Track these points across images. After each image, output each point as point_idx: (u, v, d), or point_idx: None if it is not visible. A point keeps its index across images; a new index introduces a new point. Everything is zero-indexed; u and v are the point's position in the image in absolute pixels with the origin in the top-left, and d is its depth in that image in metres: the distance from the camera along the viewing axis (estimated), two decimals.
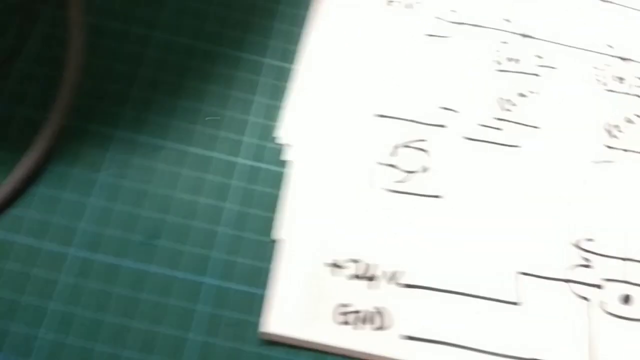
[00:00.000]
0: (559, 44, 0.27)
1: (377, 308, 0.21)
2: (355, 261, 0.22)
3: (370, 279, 0.21)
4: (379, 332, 0.21)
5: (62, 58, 0.23)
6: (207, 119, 0.23)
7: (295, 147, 0.23)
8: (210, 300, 0.20)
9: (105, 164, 0.22)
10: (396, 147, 0.24)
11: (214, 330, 0.20)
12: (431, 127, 0.25)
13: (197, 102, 0.24)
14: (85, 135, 0.22)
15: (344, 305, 0.21)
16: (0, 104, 0.22)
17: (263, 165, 0.23)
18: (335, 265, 0.21)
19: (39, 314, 0.19)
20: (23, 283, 0.20)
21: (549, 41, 0.27)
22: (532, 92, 0.26)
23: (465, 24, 0.27)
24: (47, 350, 0.19)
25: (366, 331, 0.21)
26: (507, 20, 0.27)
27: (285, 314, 0.20)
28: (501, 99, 0.26)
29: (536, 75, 0.26)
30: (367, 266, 0.22)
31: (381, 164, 0.24)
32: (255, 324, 0.20)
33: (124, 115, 0.23)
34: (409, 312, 0.21)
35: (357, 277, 0.21)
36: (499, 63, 0.26)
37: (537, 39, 0.27)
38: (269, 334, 0.20)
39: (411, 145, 0.24)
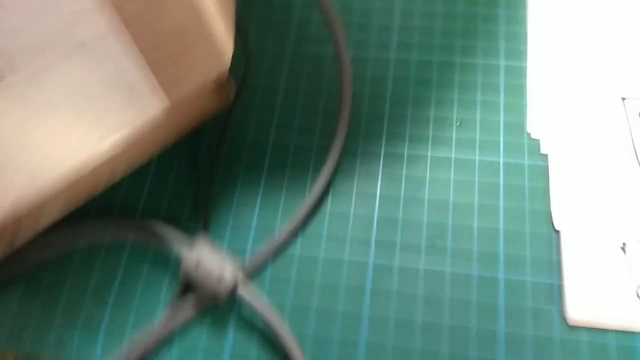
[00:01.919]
0: None
1: None
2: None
3: None
4: None
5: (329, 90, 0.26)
6: (457, 124, 0.25)
7: (548, 140, 0.24)
8: (510, 295, 0.21)
9: (381, 178, 0.24)
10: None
11: (518, 321, 0.21)
12: None
13: (445, 112, 0.25)
14: (360, 154, 0.25)
15: None
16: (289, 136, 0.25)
17: (526, 162, 0.24)
18: (624, 247, 0.22)
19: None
20: (333, 292, 0.22)
21: None
22: None
23: None
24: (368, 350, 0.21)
25: None
26: None
27: (587, 300, 0.21)
28: None
29: None
30: None
31: (628, 152, 0.23)
32: (557, 312, 0.21)
33: (385, 132, 0.25)
34: None
35: None
36: None
37: None
38: (575, 320, 0.21)
39: None
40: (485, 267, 0.22)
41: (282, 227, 0.23)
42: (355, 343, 0.21)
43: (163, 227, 0.23)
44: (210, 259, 0.20)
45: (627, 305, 0.21)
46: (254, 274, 0.22)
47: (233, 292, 0.21)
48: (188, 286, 0.22)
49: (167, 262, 0.23)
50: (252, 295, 0.21)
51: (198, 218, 0.24)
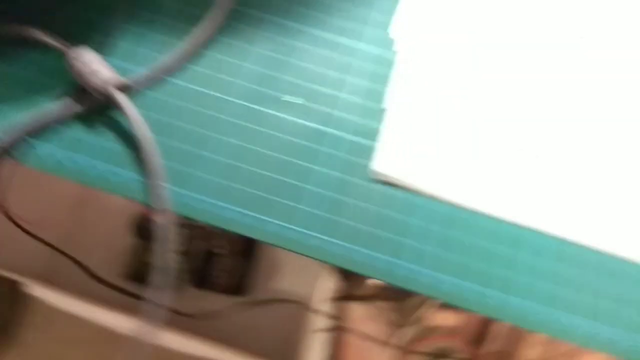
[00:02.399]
0: None
1: None
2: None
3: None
4: None
5: None
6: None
7: (403, 41, 0.29)
8: (330, 144, 0.27)
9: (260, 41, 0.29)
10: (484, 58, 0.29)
11: (331, 162, 0.26)
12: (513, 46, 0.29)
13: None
14: (247, 17, 0.29)
15: None
16: None
17: (379, 52, 0.29)
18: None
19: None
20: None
21: None
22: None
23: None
24: None
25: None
26: None
27: (392, 160, 0.26)
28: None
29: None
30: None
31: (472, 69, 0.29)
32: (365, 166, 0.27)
33: (278, 4, 0.30)
34: None
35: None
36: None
37: None
38: (379, 174, 0.26)
39: (496, 58, 0.29)
40: (319, 121, 0.27)
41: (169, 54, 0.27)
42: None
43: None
44: (89, 56, 0.25)
45: (428, 170, 0.26)
46: (135, 90, 0.27)
47: (108, 93, 0.25)
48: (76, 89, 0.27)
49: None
50: (125, 100, 0.26)
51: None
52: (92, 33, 0.28)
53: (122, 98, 0.26)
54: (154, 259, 0.25)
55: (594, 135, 0.28)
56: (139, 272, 0.49)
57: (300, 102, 0.28)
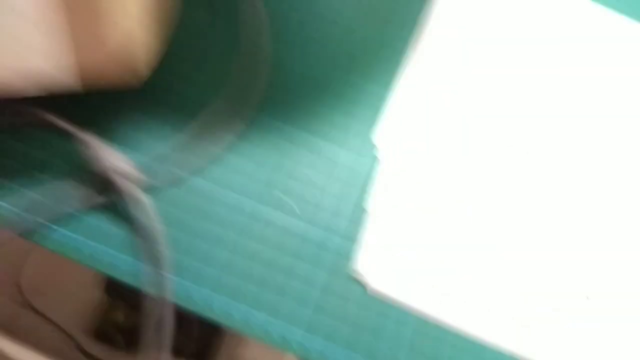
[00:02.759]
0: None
1: None
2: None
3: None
4: None
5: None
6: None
7: (384, 149, 0.32)
8: (316, 244, 0.29)
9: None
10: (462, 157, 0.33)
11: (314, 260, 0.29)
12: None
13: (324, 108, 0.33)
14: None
15: None
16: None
17: (367, 159, 0.32)
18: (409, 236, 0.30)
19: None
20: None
21: None
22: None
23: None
24: None
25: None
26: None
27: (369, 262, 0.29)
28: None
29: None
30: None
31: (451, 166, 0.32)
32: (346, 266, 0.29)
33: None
34: None
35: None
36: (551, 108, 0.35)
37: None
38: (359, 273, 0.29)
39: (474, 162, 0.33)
40: (306, 220, 0.30)
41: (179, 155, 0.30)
42: None
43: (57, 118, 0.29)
44: (108, 150, 0.27)
45: (401, 278, 0.29)
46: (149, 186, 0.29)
47: (125, 186, 0.27)
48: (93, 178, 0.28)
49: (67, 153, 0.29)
50: (140, 194, 0.27)
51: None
52: (115, 126, 0.30)
53: (137, 192, 0.27)
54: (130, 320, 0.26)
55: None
56: (104, 330, 0.49)
57: (291, 202, 0.30)
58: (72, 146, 0.28)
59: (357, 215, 0.30)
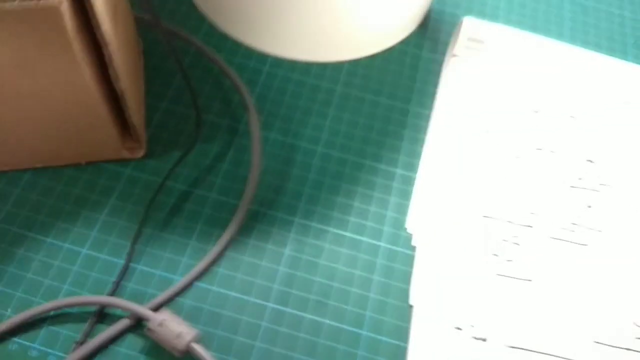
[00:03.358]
0: (615, 167, 0.36)
1: None
2: (472, 326, 0.29)
3: (484, 340, 0.29)
4: None
5: (247, 161, 0.33)
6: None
7: (419, 236, 0.32)
8: (367, 348, 0.28)
9: (289, 243, 0.31)
10: (497, 240, 0.32)
11: None
12: (522, 227, 0.33)
13: (350, 200, 0.33)
14: (270, 217, 0.31)
15: None
16: (197, 189, 0.32)
17: (399, 249, 0.31)
18: (458, 328, 0.29)
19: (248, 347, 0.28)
20: (235, 326, 0.28)
21: (607, 166, 0.36)
22: (595, 204, 0.34)
23: (544, 149, 0.36)
24: None
25: None
26: (576, 149, 0.36)
27: None
28: (572, 207, 0.34)
29: (596, 190, 0.35)
30: (482, 330, 0.29)
31: (487, 252, 0.32)
32: None
33: (297, 206, 0.32)
34: None
35: (475, 338, 0.28)
36: (569, 182, 0.35)
37: (598, 164, 0.36)
38: None
39: (508, 240, 0.32)
40: (353, 323, 0.29)
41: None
42: None
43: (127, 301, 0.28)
44: (171, 320, 0.26)
45: None
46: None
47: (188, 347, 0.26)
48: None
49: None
50: (204, 351, 0.26)
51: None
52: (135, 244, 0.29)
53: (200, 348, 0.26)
54: None
55: None
56: None
57: (330, 302, 0.29)
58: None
59: (402, 312, 0.29)
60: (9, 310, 0.27)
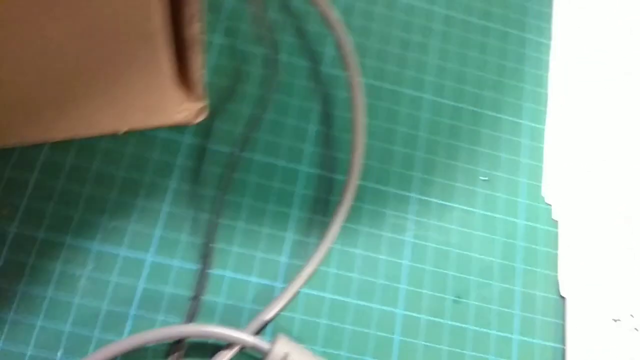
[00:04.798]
0: None
1: None
2: (632, 316, 0.24)
3: None
4: None
5: (347, 119, 0.25)
6: (481, 178, 0.25)
7: (560, 207, 0.26)
8: (520, 355, 0.23)
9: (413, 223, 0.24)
10: None
11: None
12: None
13: (471, 165, 0.26)
14: (381, 195, 0.24)
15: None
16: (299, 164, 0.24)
17: (539, 226, 0.25)
18: (617, 320, 0.24)
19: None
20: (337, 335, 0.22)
21: None
22: None
23: None
24: None
25: None
26: None
27: None
28: None
29: None
30: None
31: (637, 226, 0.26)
32: None
33: (411, 177, 0.25)
34: None
35: (636, 329, 0.24)
36: None
37: None
38: None
39: None
40: (501, 326, 0.23)
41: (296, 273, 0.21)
42: None
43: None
44: (298, 352, 0.19)
45: None
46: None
47: None
48: None
49: None
50: None
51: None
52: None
53: None
54: None
55: None
56: None
57: (470, 302, 0.23)
58: None
59: (554, 306, 0.24)
60: (59, 352, 0.20)
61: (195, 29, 0.18)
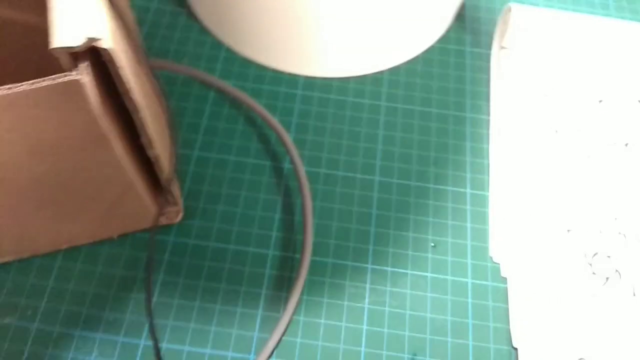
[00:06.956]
0: None
1: None
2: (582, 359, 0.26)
3: None
4: None
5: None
6: (431, 245, 0.29)
7: (508, 264, 0.28)
8: None
9: (368, 293, 0.27)
10: (587, 256, 0.29)
11: None
12: (614, 235, 0.29)
13: (420, 234, 0.29)
14: (339, 268, 0.28)
15: None
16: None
17: (489, 283, 0.28)
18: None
19: None
20: None
21: None
22: None
23: (617, 144, 0.32)
24: None
25: None
26: None
27: None
28: None
29: None
30: None
31: (580, 273, 0.28)
32: None
33: (366, 250, 0.28)
34: None
35: None
36: None
37: None
38: None
39: (600, 254, 0.29)
40: None
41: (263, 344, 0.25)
42: None
43: None
44: None
45: None
46: None
47: None
48: None
49: None
50: None
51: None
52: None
53: None
54: None
55: None
56: None
57: None
58: None
59: (508, 358, 0.26)
60: None
61: (155, 152, 0.23)
